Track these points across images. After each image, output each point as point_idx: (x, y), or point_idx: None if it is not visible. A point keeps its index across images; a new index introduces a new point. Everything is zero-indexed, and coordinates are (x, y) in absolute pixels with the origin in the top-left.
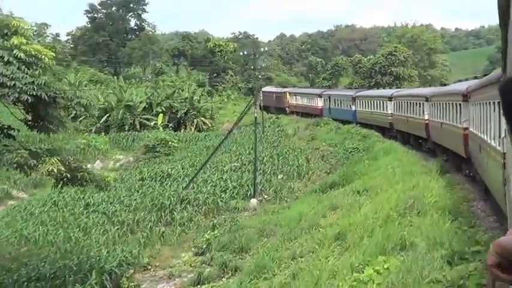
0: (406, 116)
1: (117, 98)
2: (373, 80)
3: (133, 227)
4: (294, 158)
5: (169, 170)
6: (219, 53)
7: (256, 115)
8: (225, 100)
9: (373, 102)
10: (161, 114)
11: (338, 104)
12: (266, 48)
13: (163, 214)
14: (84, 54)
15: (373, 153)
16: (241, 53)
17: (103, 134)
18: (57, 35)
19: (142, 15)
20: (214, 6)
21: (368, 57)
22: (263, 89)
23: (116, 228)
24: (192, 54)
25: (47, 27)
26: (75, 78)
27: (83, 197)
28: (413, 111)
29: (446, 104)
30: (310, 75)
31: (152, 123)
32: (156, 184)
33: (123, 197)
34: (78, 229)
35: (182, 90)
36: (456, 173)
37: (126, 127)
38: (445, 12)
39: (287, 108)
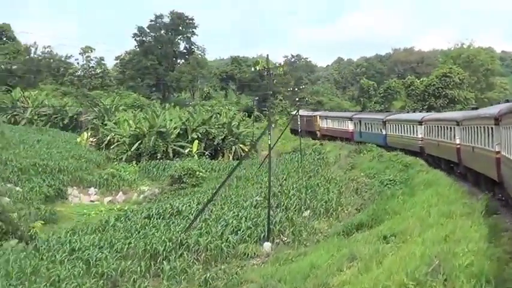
0: (437, 140)
1: (149, 123)
2: (427, 103)
3: (116, 279)
4: (324, 191)
5: (181, 205)
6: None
7: (271, 142)
8: (273, 126)
9: (404, 126)
10: (196, 141)
11: (369, 128)
12: (321, 73)
13: (153, 263)
14: (132, 78)
15: (411, 187)
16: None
17: (134, 162)
18: (102, 58)
19: (192, 38)
20: (271, 30)
21: (421, 79)
22: (292, 113)
23: (92, 281)
24: (240, 78)
25: (91, 51)
26: (111, 102)
27: (70, 240)
28: (444, 136)
29: (477, 127)
30: (361, 99)
31: (187, 151)
32: (162, 222)
33: (117, 239)
34: (46, 284)
35: (220, 115)
36: (507, 213)
37: (159, 155)
38: (507, 35)
39: (318, 132)
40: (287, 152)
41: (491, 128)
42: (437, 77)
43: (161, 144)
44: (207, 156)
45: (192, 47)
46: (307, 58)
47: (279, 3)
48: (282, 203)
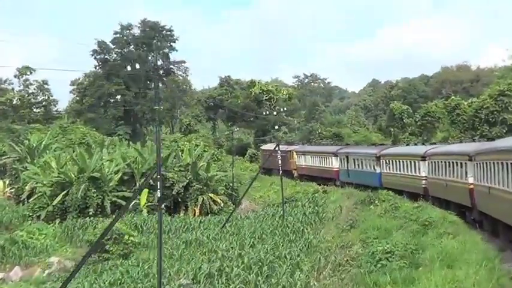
0: (444, 179)
1: (79, 167)
2: (477, 132)
3: None
4: (288, 271)
5: None
6: (268, 103)
7: None
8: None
9: (403, 162)
10: (146, 190)
11: (358, 165)
12: (352, 99)
13: None
14: (91, 108)
15: (415, 265)
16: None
17: (58, 221)
18: (45, 82)
19: (171, 54)
20: (285, 48)
21: (470, 101)
22: (263, 147)
23: None
24: (231, 105)
25: (30, 73)
26: (39, 139)
27: None
28: (453, 173)
29: (495, 163)
30: (391, 129)
31: (131, 204)
32: None
33: None
34: None
35: (182, 152)
36: None
37: (91, 210)
38: None
39: (294, 171)
40: (277, 203)
41: None
42: (492, 97)
43: (95, 195)
44: (164, 211)
45: (171, 66)
46: (325, 79)
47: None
48: None
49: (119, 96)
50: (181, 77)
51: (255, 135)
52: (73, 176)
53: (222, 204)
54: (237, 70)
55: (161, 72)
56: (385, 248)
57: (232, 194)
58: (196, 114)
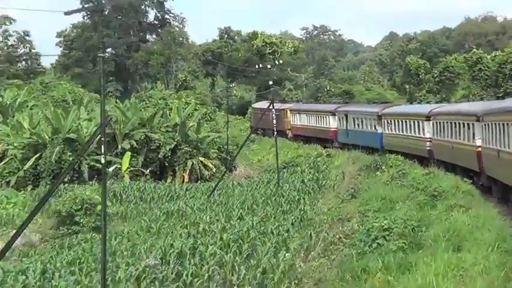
0: (450, 141)
1: (53, 127)
2: (501, 89)
3: None
4: (271, 249)
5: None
6: (271, 56)
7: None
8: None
9: (406, 122)
10: (128, 153)
11: (358, 125)
12: (367, 54)
13: None
14: (79, 62)
15: (416, 246)
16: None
17: (30, 188)
18: (26, 33)
19: (166, 3)
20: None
21: (493, 55)
22: (254, 106)
23: None
24: (231, 59)
25: (10, 23)
26: (14, 96)
27: None
28: (460, 135)
29: (505, 125)
30: (407, 86)
31: (112, 169)
32: None
33: None
34: None
35: (171, 110)
36: None
37: (67, 176)
38: None
39: (288, 131)
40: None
41: None
42: None
43: (70, 159)
44: (148, 177)
45: (167, 16)
46: (336, 31)
47: None
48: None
49: (109, 50)
50: (177, 29)
51: (256, 92)
52: (47, 137)
53: (214, 170)
54: (241, 24)
55: (156, 22)
56: (383, 224)
57: (226, 158)
58: (193, 69)
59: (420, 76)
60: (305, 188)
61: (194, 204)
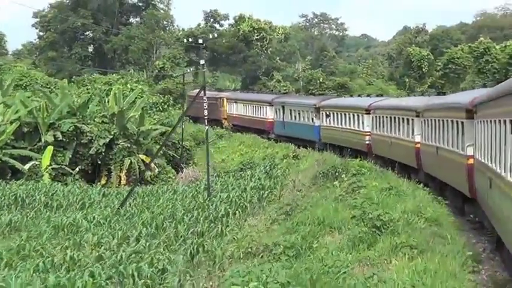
0: (389, 136)
1: None
2: None
3: None
4: None
5: None
6: (259, 44)
7: None
8: None
9: (344, 115)
10: (50, 148)
11: (295, 117)
12: (378, 49)
13: None
14: (53, 45)
15: None
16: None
17: None
18: None
19: None
20: None
21: (502, 45)
22: (189, 93)
23: None
24: (215, 46)
25: None
26: None
27: None
28: (399, 130)
29: (444, 121)
30: (407, 79)
31: (28, 166)
32: None
33: None
34: None
35: (107, 96)
36: None
37: None
38: None
39: (224, 121)
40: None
41: (462, 123)
42: None
43: None
44: (77, 177)
45: None
46: (337, 19)
47: None
48: None
49: (88, 33)
50: (162, 11)
51: (242, 82)
52: None
53: (156, 170)
54: (237, 8)
55: (139, 3)
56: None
57: (174, 157)
58: (173, 56)
59: (423, 69)
60: (241, 201)
61: (94, 218)
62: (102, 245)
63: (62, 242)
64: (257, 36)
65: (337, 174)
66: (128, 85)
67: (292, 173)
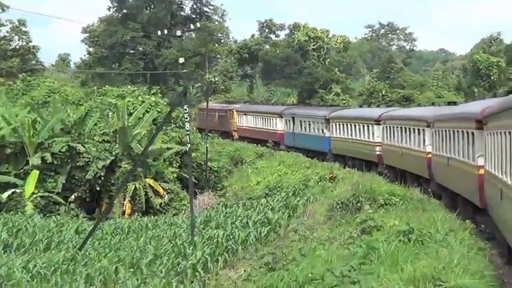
0: (400, 146)
1: None
2: None
3: None
4: None
5: None
6: (316, 54)
7: None
8: None
9: (355, 126)
10: (35, 172)
11: (305, 128)
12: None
13: None
14: (101, 61)
15: None
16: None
17: None
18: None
19: None
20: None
21: None
22: (199, 106)
23: None
24: (267, 58)
25: (2, 10)
26: None
27: None
28: (410, 141)
29: (454, 131)
30: (474, 89)
31: (6, 195)
32: None
33: None
34: None
35: (112, 113)
36: None
37: None
38: None
39: (234, 133)
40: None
41: (472, 134)
42: None
43: None
44: (72, 207)
45: (205, 8)
46: (405, 29)
47: None
48: None
49: (138, 47)
50: (217, 23)
51: (298, 96)
52: None
53: (166, 197)
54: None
55: (193, 16)
56: None
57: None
58: (226, 69)
59: (492, 77)
60: (229, 243)
61: (36, 266)
62: None
63: None
64: (313, 46)
65: (358, 204)
66: (140, 98)
67: (320, 200)
